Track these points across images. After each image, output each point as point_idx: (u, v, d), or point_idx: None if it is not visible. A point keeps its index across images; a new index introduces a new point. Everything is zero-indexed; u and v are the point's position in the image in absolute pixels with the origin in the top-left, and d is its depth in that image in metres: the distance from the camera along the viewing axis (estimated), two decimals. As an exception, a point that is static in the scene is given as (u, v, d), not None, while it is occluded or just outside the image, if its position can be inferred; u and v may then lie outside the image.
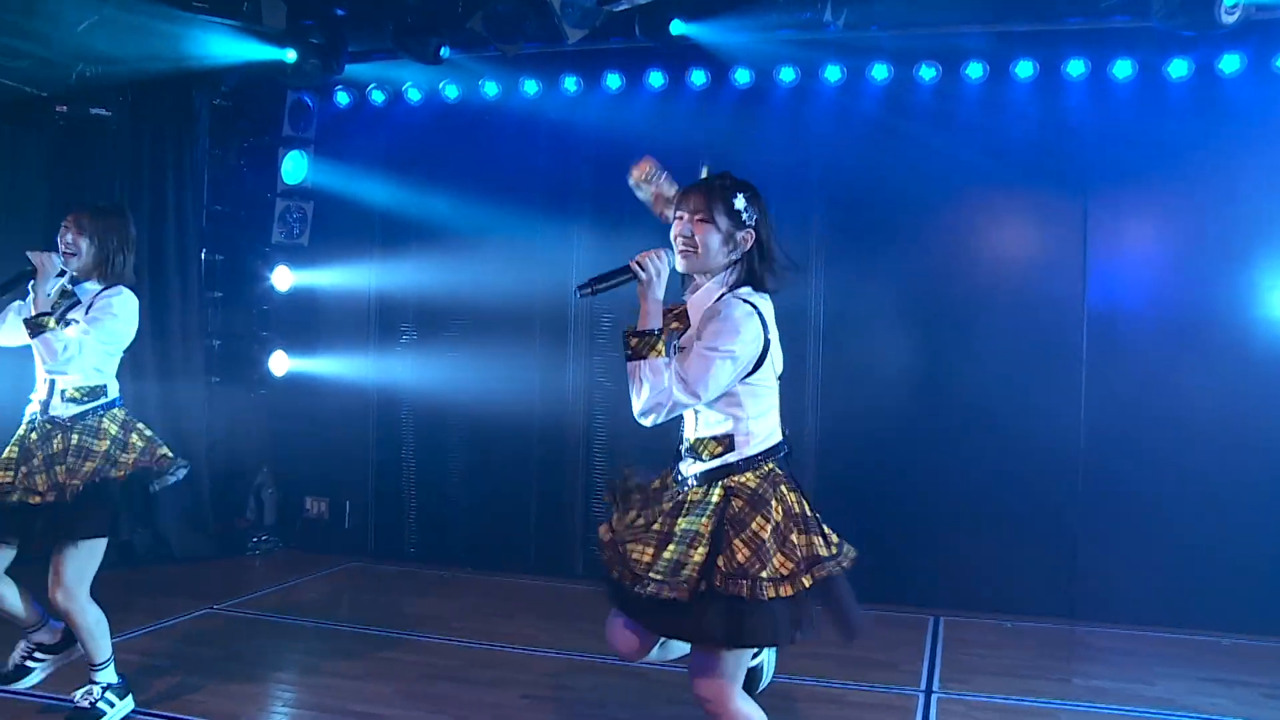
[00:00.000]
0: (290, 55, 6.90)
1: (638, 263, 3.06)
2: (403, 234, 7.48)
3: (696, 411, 3.15)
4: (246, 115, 7.59)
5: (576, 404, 7.24)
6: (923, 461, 6.65)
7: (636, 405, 3.01)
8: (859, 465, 6.70)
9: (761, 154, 6.60)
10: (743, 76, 6.86)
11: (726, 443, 3.09)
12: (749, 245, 3.15)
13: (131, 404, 6.68)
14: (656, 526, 3.09)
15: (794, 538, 3.05)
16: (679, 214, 3.16)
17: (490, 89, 7.26)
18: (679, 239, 3.14)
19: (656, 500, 3.20)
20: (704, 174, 3.20)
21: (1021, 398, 6.51)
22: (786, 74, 6.82)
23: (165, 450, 4.41)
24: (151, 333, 7.08)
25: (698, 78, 6.93)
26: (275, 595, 6.56)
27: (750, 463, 3.09)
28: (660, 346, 3.03)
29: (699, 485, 3.12)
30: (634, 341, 3.05)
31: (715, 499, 3.07)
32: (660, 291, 3.08)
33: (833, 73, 6.73)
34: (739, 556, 2.98)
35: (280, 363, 7.77)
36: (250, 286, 7.74)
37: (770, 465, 3.12)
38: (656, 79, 6.99)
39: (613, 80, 7.04)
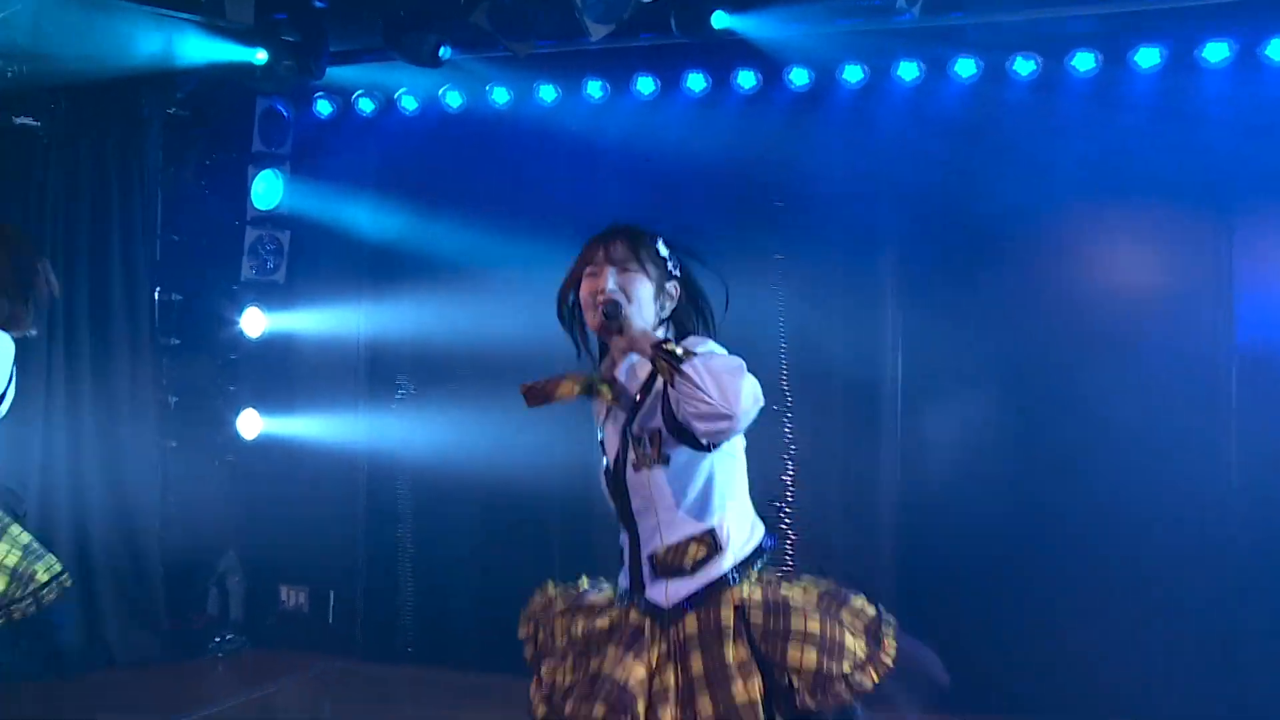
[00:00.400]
0: (260, 56, 6.36)
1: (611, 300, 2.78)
2: (397, 269, 6.84)
3: (658, 508, 2.78)
4: (208, 126, 7.08)
5: (606, 471, 6.34)
6: (1033, 545, 5.78)
7: (734, 400, 2.53)
8: (952, 551, 5.87)
9: (823, 168, 6.12)
10: (799, 77, 6.21)
11: (709, 542, 2.74)
12: (678, 299, 2.89)
13: (67, 472, 6.27)
14: (672, 683, 2.68)
15: (844, 614, 2.74)
16: (592, 270, 2.84)
17: (499, 95, 6.71)
18: (600, 296, 2.79)
19: (599, 640, 2.81)
20: None
21: (1156, 463, 5.63)
22: (852, 73, 6.16)
23: (42, 569, 3.69)
24: (93, 388, 6.60)
25: (745, 79, 6.29)
26: (242, 706, 5.99)
27: (743, 569, 2.75)
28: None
29: (693, 610, 2.73)
30: (672, 348, 2.65)
31: (728, 621, 2.69)
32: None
33: (908, 70, 6.08)
34: (808, 661, 2.63)
35: (251, 423, 7.13)
36: (214, 332, 7.15)
37: (759, 571, 2.78)
38: (696, 82, 6.38)
39: (645, 84, 6.46)
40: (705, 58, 6.31)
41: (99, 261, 6.62)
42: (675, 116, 6.40)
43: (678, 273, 2.90)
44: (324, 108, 7.05)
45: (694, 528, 2.76)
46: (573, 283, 2.88)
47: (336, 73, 6.70)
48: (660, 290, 2.85)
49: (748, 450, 2.86)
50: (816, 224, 6.11)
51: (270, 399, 7.17)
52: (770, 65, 6.20)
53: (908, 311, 6.08)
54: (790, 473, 6.07)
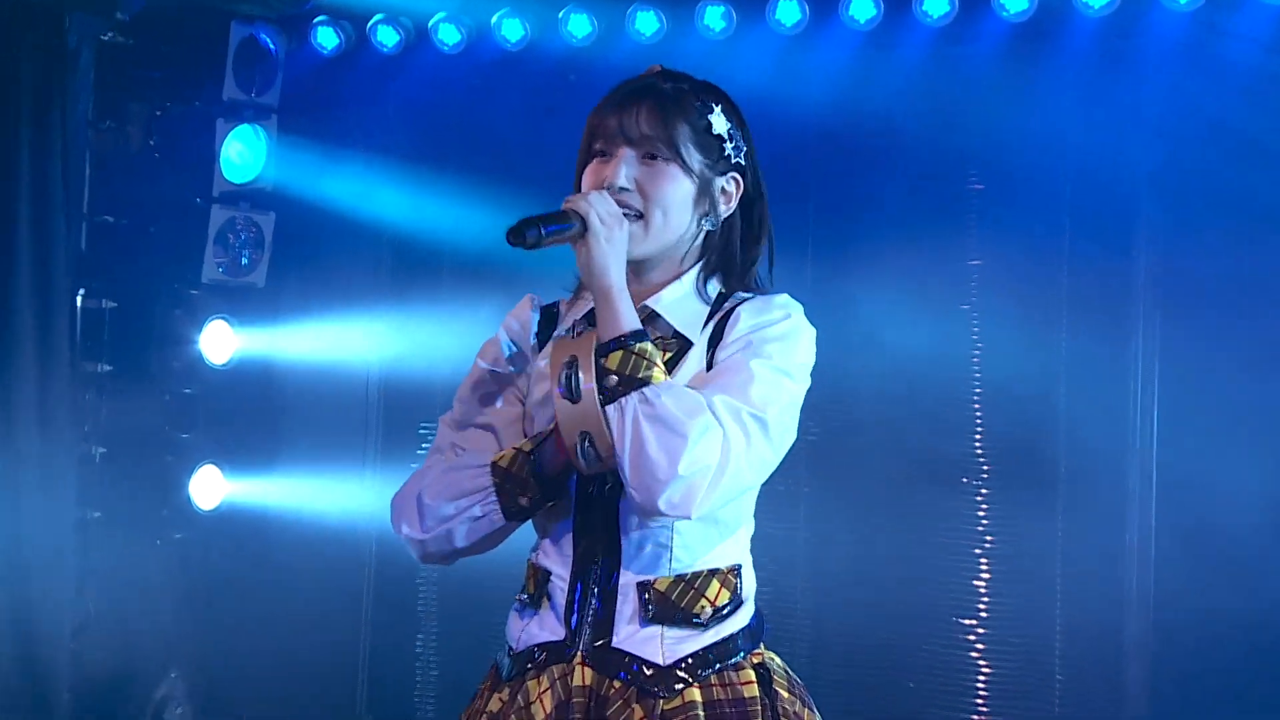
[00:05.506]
0: (237, -41, 5.11)
1: (572, 208, 2.09)
2: (428, 269, 5.91)
3: (673, 526, 2.14)
4: (161, 64, 5.95)
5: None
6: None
7: (660, 473, 1.97)
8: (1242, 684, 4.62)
9: (1047, 135, 4.94)
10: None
11: (733, 584, 2.15)
12: (734, 204, 2.22)
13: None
14: None
15: None
16: (600, 146, 2.17)
17: (578, 26, 5.55)
18: (605, 197, 2.14)
19: None
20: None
21: None
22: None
23: None
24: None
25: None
26: None
27: (762, 626, 2.23)
28: (660, 360, 2.05)
29: (697, 677, 2.10)
30: (613, 360, 2.02)
31: (748, 693, 2.12)
32: (622, 259, 2.08)
33: None
34: None
35: (210, 486, 5.96)
36: (162, 354, 6.00)
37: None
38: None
39: (787, 10, 5.22)
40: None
41: (-5, 252, 5.73)
42: (836, 54, 5.13)
43: (742, 160, 2.21)
44: (327, 39, 5.87)
45: (713, 557, 2.22)
46: (581, 166, 2.24)
47: (347, -13, 5.65)
48: (705, 191, 2.18)
49: None
50: (1027, 213, 5.04)
51: (239, 453, 6.03)
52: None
53: (1163, 321, 4.85)
54: (984, 575, 4.94)
